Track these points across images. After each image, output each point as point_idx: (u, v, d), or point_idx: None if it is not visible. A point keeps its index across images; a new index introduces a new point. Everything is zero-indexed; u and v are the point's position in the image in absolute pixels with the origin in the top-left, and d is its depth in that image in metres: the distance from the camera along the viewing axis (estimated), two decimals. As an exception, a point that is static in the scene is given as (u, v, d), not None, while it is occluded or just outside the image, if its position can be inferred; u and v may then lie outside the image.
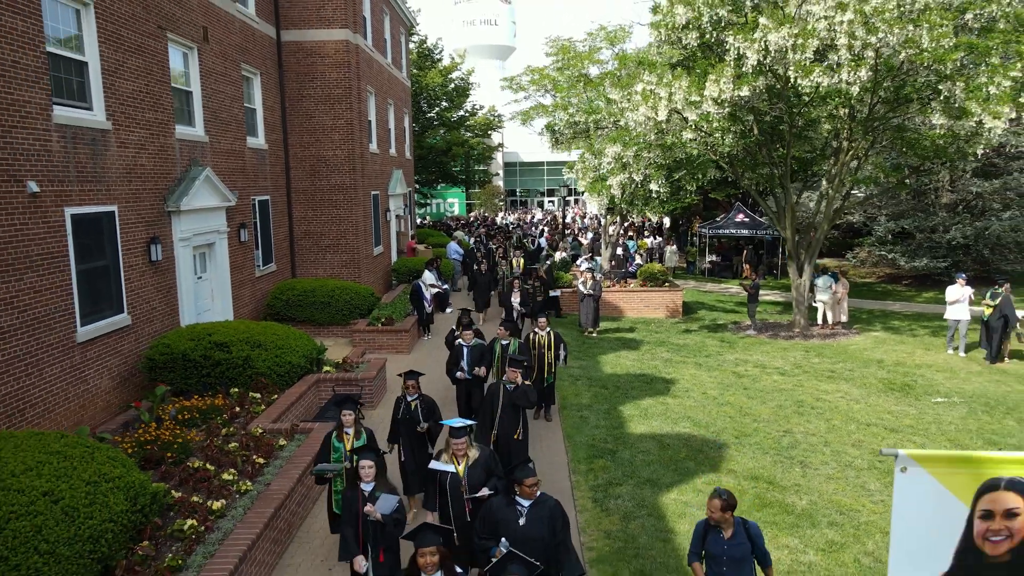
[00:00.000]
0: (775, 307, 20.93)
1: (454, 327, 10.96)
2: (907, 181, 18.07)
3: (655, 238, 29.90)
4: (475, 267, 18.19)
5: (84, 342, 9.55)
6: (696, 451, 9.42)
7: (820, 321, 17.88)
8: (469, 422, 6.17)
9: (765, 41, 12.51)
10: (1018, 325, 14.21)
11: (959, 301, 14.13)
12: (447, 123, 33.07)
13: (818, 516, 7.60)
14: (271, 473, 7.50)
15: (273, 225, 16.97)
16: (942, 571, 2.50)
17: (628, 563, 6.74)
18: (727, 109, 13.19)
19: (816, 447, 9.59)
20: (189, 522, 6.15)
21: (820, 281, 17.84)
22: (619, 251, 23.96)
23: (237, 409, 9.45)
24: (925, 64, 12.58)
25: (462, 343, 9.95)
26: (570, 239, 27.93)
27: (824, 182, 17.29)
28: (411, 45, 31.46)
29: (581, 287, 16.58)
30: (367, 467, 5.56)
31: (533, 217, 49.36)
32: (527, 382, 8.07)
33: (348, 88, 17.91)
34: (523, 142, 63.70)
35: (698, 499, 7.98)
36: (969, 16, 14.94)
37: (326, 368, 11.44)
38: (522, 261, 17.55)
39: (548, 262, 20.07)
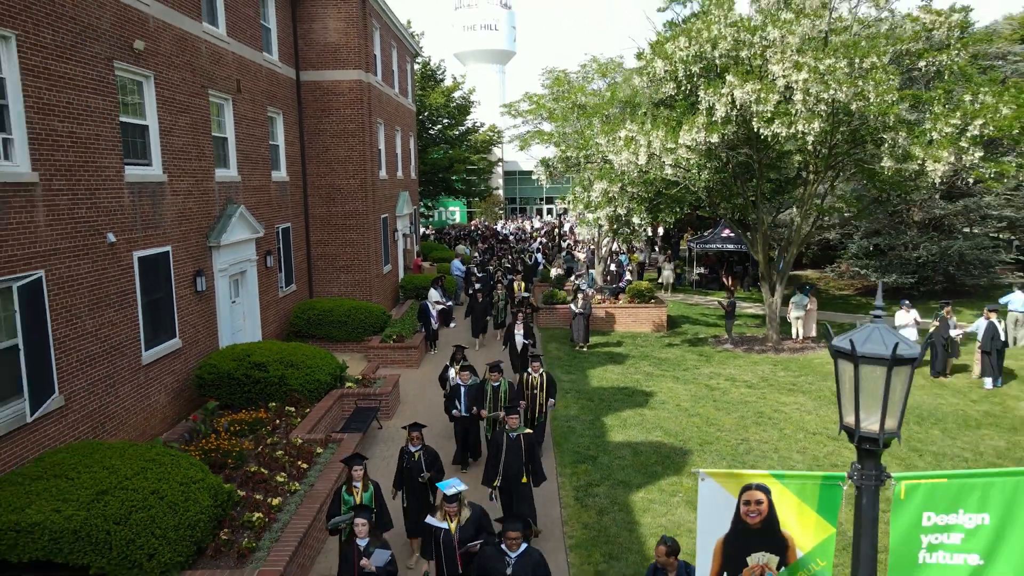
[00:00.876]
0: (755, 320, 22.65)
1: (448, 363, 11.93)
2: (871, 207, 19.78)
3: (648, 251, 31.63)
4: (471, 291, 19.33)
5: (147, 364, 11.30)
6: (664, 457, 11.16)
7: (794, 335, 19.61)
8: (462, 487, 6.80)
9: (732, 95, 14.26)
10: (958, 340, 15.86)
11: (907, 326, 15.75)
12: (449, 140, 34.82)
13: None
14: (313, 476, 9.24)
15: (294, 249, 18.72)
16: (724, 532, 4.29)
17: (600, 548, 8.48)
18: (700, 153, 14.94)
19: (767, 453, 11.32)
20: (256, 515, 7.89)
21: (795, 299, 19.58)
22: (612, 267, 25.69)
23: (277, 421, 11.19)
24: (872, 115, 14.31)
25: (460, 383, 10.85)
26: (564, 253, 29.64)
27: (795, 208, 19.02)
28: (415, 66, 33.23)
29: (573, 306, 18.35)
30: (361, 525, 6.28)
31: (532, 226, 51.09)
32: (527, 431, 8.77)
33: (361, 123, 19.65)
34: (522, 152, 65.48)
35: (660, 497, 9.72)
36: (923, 63, 16.78)
37: (348, 384, 13.17)
38: (523, 284, 18.94)
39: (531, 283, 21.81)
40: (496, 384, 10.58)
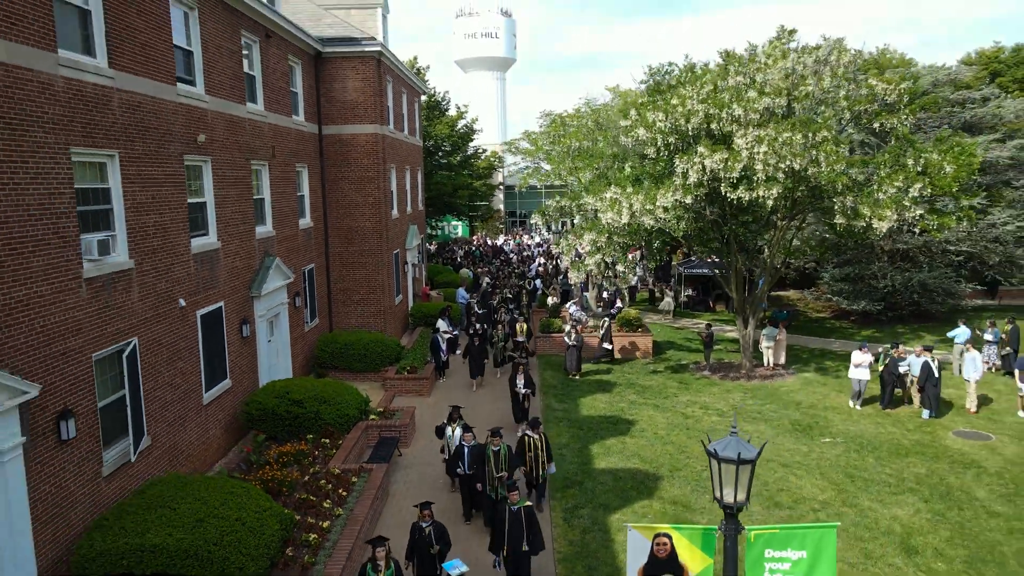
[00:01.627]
0: (734, 344, 24.81)
1: (445, 421, 12.90)
2: (832, 249, 21.98)
3: (640, 273, 33.78)
4: (469, 331, 20.37)
5: (207, 404, 13.51)
6: (639, 483, 13.35)
7: (765, 363, 21.80)
8: (464, 569, 8.39)
9: (703, 163, 16.47)
10: (905, 377, 17.98)
11: (861, 365, 17.76)
12: (453, 167, 37.04)
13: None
14: (352, 501, 11.44)
15: (316, 286, 20.92)
16: (643, 562, 6.53)
17: (582, 561, 10.68)
18: (675, 211, 17.15)
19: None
20: (312, 535, 10.09)
21: (766, 331, 21.77)
22: (604, 293, 27.89)
23: (316, 452, 13.39)
24: (824, 180, 16.51)
25: (464, 444, 11.95)
26: (561, 277, 31.84)
27: (766, 248, 21.21)
28: (423, 96, 35.46)
29: (566, 339, 20.57)
30: None
31: (533, 241, 53.26)
32: (527, 503, 9.89)
33: (376, 171, 21.85)
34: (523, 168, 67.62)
35: (633, 518, 11.91)
36: (877, 124, 19.00)
37: (372, 416, 15.38)
38: (524, 326, 20.79)
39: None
40: (496, 449, 11.42)
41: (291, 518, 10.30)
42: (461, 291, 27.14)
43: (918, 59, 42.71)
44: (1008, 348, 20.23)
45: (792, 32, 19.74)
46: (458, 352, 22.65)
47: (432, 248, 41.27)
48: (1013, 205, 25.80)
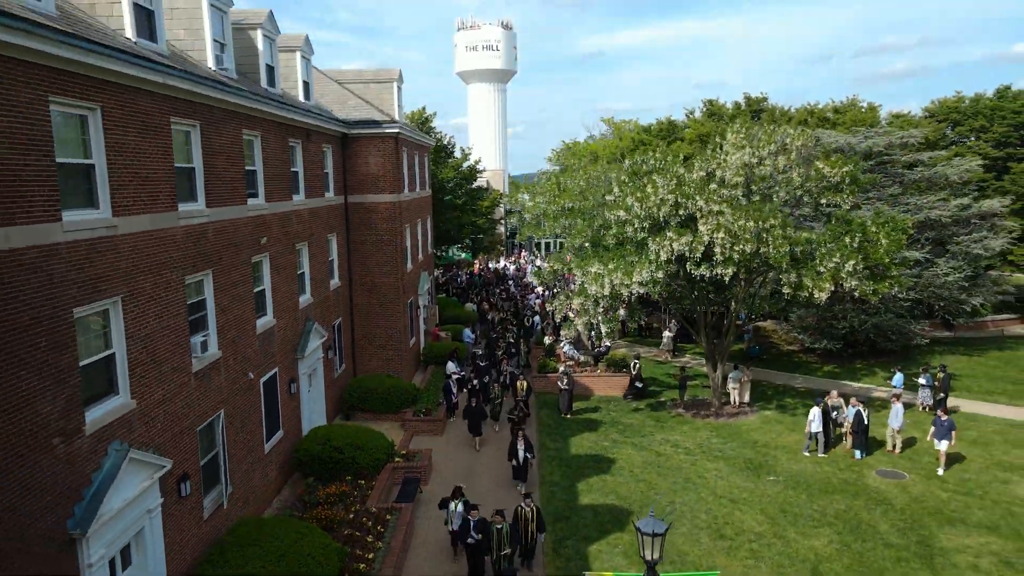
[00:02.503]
0: (709, 380, 28.03)
1: (447, 496, 14.86)
2: (786, 307, 25.24)
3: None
4: (469, 386, 22.77)
5: (267, 452, 16.80)
6: (615, 517, 16.62)
7: (732, 402, 25.06)
8: None
9: (671, 245, 19.76)
10: (844, 424, 21.11)
11: (816, 419, 20.68)
12: (458, 207, 40.33)
13: (668, 557, 14.78)
14: (388, 535, 14.72)
15: (342, 336, 24.20)
16: None
17: (566, 583, 13.98)
18: (650, 283, 20.46)
19: (684, 514, 16.78)
20: (362, 565, 13.38)
21: (732, 374, 25.04)
22: (593, 333, 31.12)
23: (355, 493, 16.66)
24: (772, 260, 19.81)
25: (470, 519, 13.80)
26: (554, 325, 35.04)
27: (733, 303, 24.48)
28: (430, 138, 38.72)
29: (560, 383, 23.87)
30: None
31: (533, 263, 56.46)
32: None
33: (394, 233, 25.12)
34: (525, 194, 70.78)
35: (607, 548, 15.17)
36: (824, 200, 22.33)
37: (397, 459, 18.66)
38: (524, 384, 23.68)
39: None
40: (499, 527, 13.38)
41: (344, 551, 13.58)
42: (467, 332, 30.42)
43: (886, 105, 45.96)
44: (941, 393, 23.49)
45: (762, 99, 23.11)
46: (466, 390, 25.90)
47: (439, 273, 44.54)
48: (956, 256, 29.07)
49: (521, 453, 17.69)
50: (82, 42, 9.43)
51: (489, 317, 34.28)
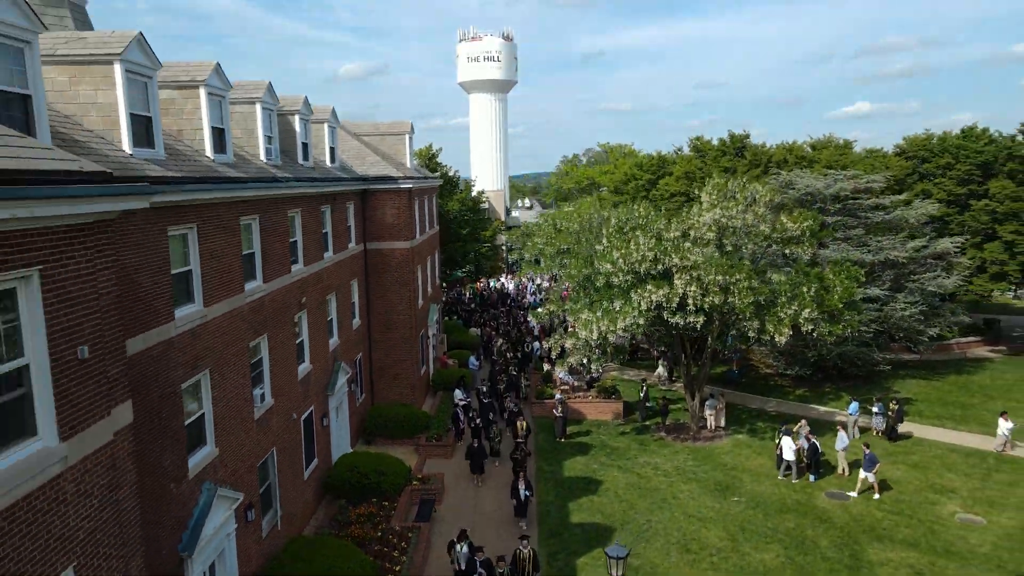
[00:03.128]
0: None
1: (454, 539, 16.80)
2: (754, 345, 28.31)
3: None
4: (471, 424, 25.29)
5: (306, 479, 19.88)
6: (600, 534, 19.67)
7: (708, 426, 28.11)
8: None
9: (651, 297, 22.85)
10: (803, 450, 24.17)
11: (787, 449, 23.68)
12: (462, 237, 43.45)
13: (643, 570, 17.84)
14: (411, 550, 17.79)
15: (362, 369, 27.26)
16: None
17: (557, 590, 17.04)
18: (632, 328, 23.55)
19: (659, 532, 19.84)
20: None
21: (708, 402, 28.11)
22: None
23: (380, 513, 19.73)
24: (738, 310, 22.89)
25: (476, 559, 15.95)
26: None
27: (709, 339, 27.53)
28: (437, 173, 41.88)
29: (555, 411, 26.95)
30: None
31: (533, 283, 59.43)
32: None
33: (408, 275, 28.20)
34: (525, 212, 73.99)
35: (591, 562, 18.21)
36: (787, 251, 25.41)
37: (414, 482, 21.73)
38: (524, 424, 26.22)
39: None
40: (502, 571, 15.95)
41: (375, 565, 16.66)
42: (472, 359, 33.50)
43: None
44: (894, 422, 26.55)
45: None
46: (471, 414, 28.94)
47: (443, 290, 47.57)
48: (912, 293, 32.13)
49: (522, 492, 19.95)
50: (213, 184, 12.55)
51: (492, 343, 37.31)
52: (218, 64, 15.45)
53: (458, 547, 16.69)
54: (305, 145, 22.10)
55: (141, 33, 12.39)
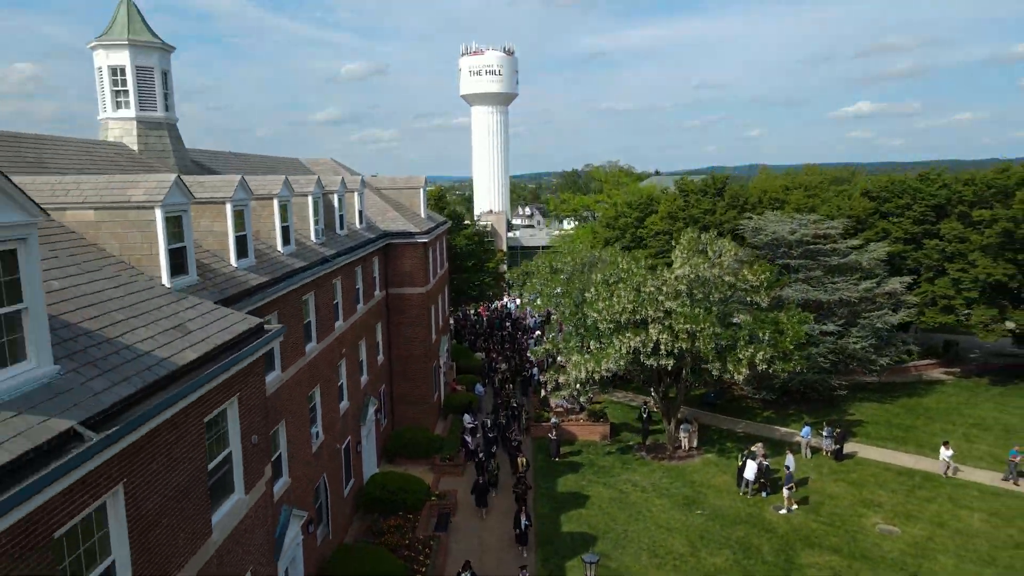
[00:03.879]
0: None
1: (460, 570, 20.45)
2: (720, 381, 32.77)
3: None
4: (476, 458, 29.27)
5: (345, 496, 24.36)
6: (585, 541, 24.10)
7: (683, 447, 32.56)
8: None
9: (630, 343, 27.33)
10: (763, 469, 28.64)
11: (750, 469, 28.15)
12: (468, 270, 47.96)
13: (618, 571, 22.28)
14: (432, 556, 22.26)
15: (385, 398, 31.74)
16: None
17: (549, 587, 21.52)
18: (616, 366, 28.04)
19: (633, 540, 24.29)
20: None
21: (683, 426, 32.58)
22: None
23: (406, 524, 24.20)
24: (702, 354, 27.38)
25: None
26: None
27: (683, 371, 31.97)
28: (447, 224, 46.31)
29: (550, 435, 31.42)
30: None
31: (533, 302, 64.00)
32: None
33: (423, 315, 32.66)
34: (526, 231, 78.53)
35: (577, 564, 22.63)
36: (748, 299, 29.87)
37: (432, 498, 26.20)
38: (524, 460, 30.47)
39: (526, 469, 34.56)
40: None
41: (406, 568, 21.13)
42: (478, 387, 38.01)
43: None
44: (836, 444, 31.00)
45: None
46: (478, 435, 33.37)
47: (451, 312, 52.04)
48: (864, 328, 36.59)
49: (523, 522, 23.72)
50: (289, 280, 17.06)
51: (495, 367, 41.81)
52: (286, 178, 19.96)
53: (465, 575, 20.51)
54: (342, 216, 26.57)
55: (243, 177, 16.90)
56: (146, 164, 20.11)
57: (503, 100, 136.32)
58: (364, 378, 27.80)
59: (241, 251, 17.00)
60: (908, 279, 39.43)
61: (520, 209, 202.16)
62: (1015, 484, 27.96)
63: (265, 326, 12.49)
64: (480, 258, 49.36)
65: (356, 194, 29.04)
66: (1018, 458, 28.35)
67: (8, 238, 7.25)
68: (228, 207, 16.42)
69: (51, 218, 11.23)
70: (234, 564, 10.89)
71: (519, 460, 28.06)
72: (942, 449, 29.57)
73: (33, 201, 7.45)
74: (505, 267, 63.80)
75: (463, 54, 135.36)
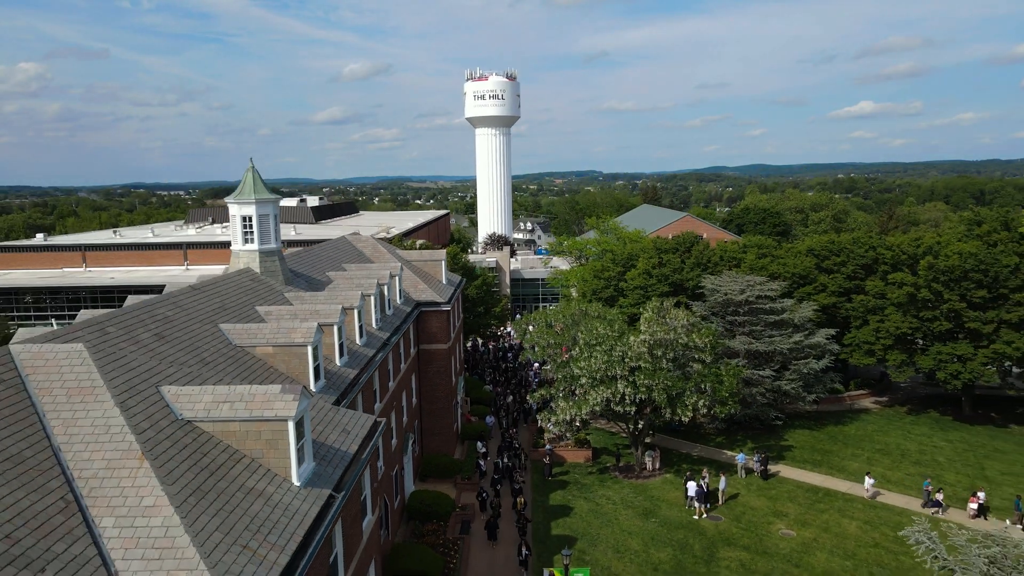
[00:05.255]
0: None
1: None
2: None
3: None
4: (484, 497, 39.28)
5: (395, 508, 33.76)
6: (568, 542, 33.44)
7: (648, 467, 41.87)
8: None
9: (603, 394, 36.77)
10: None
11: (692, 489, 37.58)
12: (478, 315, 57.33)
13: (589, 562, 31.63)
14: (459, 552, 31.66)
15: (417, 431, 41.15)
16: None
17: None
18: (594, 410, 37.49)
19: (603, 540, 33.63)
20: (452, 565, 30.37)
21: (647, 452, 41.93)
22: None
23: (439, 529, 33.60)
24: (656, 402, 36.81)
25: None
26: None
27: (647, 408, 41.29)
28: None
29: (544, 459, 40.81)
30: None
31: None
32: None
33: (446, 365, 42.07)
34: (526, 263, 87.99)
35: (559, 556, 32.01)
36: (696, 356, 39.37)
37: (457, 509, 35.59)
38: (522, 500, 40.46)
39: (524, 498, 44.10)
40: None
41: (442, 560, 30.50)
42: (489, 418, 47.45)
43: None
44: (763, 467, 40.34)
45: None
46: (488, 459, 42.72)
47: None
48: (795, 373, 45.91)
49: (524, 552, 32.67)
50: (369, 370, 26.60)
51: (503, 398, 51.25)
52: (362, 293, 29.37)
53: None
54: (389, 300, 35.97)
55: (342, 307, 26.30)
56: (266, 282, 29.49)
57: (505, 122, 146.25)
58: (405, 419, 37.20)
59: (340, 352, 26.40)
60: (833, 331, 48.78)
61: (521, 224, 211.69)
62: (939, 513, 35.81)
63: (376, 420, 21.86)
64: (488, 304, 58.77)
65: (397, 279, 38.44)
66: (930, 487, 36.95)
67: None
68: (335, 328, 25.82)
69: (248, 352, 20.71)
70: (369, 549, 20.25)
71: (519, 500, 37.36)
72: (866, 477, 38.47)
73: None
74: (509, 306, 73.21)
75: (468, 79, 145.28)
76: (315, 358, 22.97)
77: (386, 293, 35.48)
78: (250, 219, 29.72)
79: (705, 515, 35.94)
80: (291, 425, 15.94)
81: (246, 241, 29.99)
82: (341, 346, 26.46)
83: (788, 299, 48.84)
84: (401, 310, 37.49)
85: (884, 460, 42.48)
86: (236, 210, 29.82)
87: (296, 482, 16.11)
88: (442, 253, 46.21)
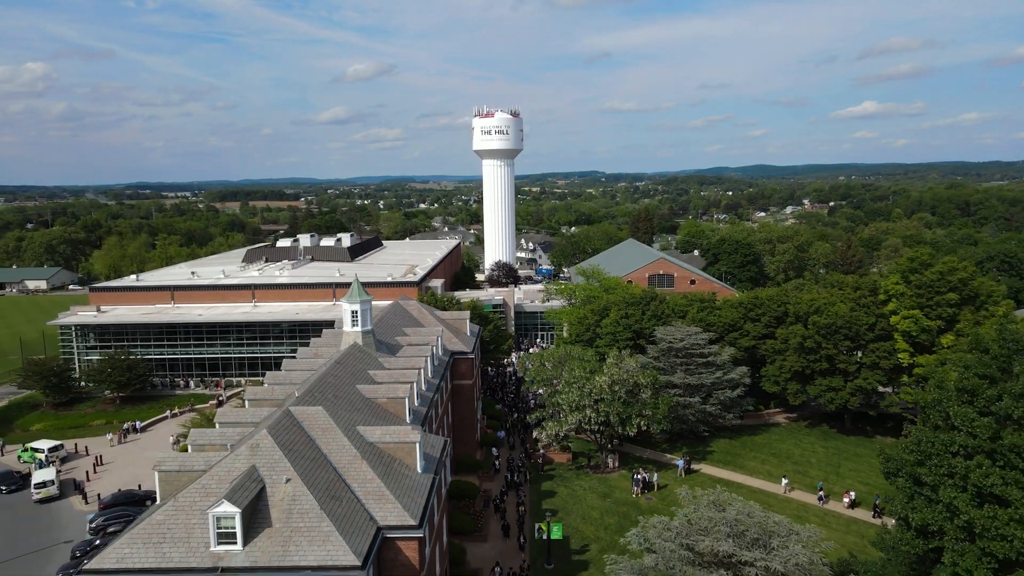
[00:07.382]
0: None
1: (493, 565, 52.47)
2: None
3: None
4: (492, 502, 59.32)
5: (444, 495, 52.66)
6: (551, 513, 52.17)
7: (608, 465, 60.53)
8: None
9: (576, 418, 55.68)
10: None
11: (635, 479, 56.34)
12: (490, 351, 75.99)
13: (564, 528, 50.36)
14: (484, 519, 50.49)
15: (451, 440, 59.91)
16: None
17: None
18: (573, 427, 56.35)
19: (574, 513, 52.28)
20: (479, 525, 49.22)
21: (610, 456, 60.68)
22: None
23: (470, 504, 52.37)
24: (615, 424, 55.68)
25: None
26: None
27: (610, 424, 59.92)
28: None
29: (538, 460, 59.60)
30: None
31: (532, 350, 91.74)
32: None
33: (471, 396, 60.92)
34: (528, 294, 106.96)
35: (544, 527, 50.78)
36: (641, 392, 58.50)
37: (480, 492, 54.38)
38: (523, 508, 59.07)
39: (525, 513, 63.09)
40: None
41: (473, 522, 49.30)
42: (500, 432, 66.30)
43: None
44: (687, 466, 59.08)
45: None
46: (500, 458, 61.43)
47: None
48: (716, 399, 64.50)
49: (521, 540, 52.83)
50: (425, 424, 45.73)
51: (509, 416, 70.16)
52: (426, 358, 48.27)
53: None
54: (435, 354, 54.76)
55: (419, 372, 45.22)
56: (368, 352, 48.18)
57: (509, 155, 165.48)
58: (444, 432, 55.97)
59: (416, 396, 45.19)
60: (746, 369, 67.48)
61: (523, 243, 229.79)
62: (824, 504, 54.64)
63: (445, 439, 40.65)
64: (497, 342, 77.39)
65: (439, 338, 57.22)
66: (822, 490, 55.36)
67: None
68: (414, 384, 44.62)
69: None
70: (442, 507, 39.00)
71: (519, 509, 55.83)
72: (783, 479, 57.00)
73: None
74: (512, 343, 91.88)
75: (475, 115, 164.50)
76: (409, 404, 41.76)
77: (433, 351, 54.26)
78: (356, 312, 48.57)
79: (642, 496, 54.71)
80: (418, 444, 34.73)
81: (353, 325, 48.83)
82: (416, 393, 45.22)
83: (715, 344, 67.61)
84: (442, 361, 56.26)
85: (773, 460, 61.22)
86: (347, 307, 48.67)
87: (419, 471, 34.88)
88: (466, 314, 64.93)
